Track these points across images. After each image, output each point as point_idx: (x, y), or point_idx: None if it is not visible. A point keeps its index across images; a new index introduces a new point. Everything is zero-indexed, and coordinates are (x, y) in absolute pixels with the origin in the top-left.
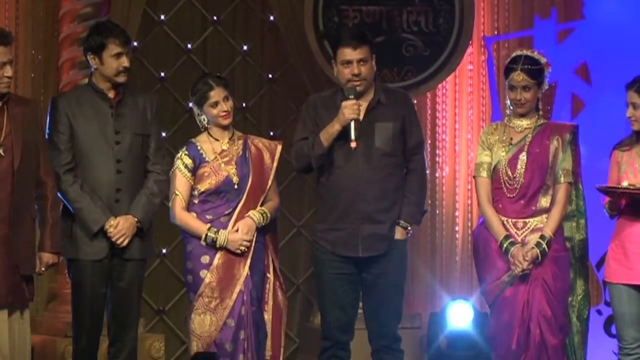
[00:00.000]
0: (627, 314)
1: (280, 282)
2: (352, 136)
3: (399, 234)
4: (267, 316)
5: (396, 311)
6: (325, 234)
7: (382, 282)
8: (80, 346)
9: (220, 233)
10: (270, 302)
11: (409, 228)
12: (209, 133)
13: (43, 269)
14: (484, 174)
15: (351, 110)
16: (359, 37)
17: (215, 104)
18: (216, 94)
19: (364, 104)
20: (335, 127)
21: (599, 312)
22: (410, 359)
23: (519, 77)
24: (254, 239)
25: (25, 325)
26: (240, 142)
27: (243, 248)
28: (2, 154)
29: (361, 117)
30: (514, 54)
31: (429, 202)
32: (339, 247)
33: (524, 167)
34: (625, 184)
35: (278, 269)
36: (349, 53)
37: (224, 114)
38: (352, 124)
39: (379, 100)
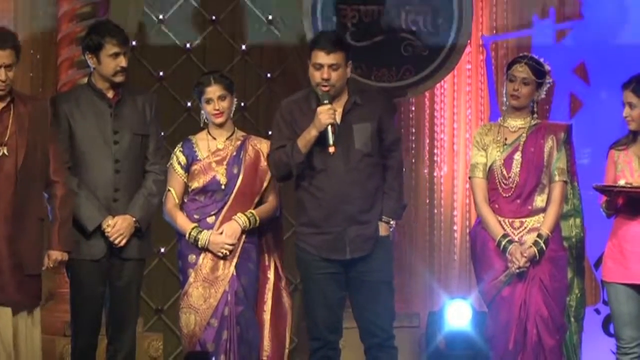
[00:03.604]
0: (624, 313)
1: (284, 283)
2: (330, 141)
3: (382, 229)
4: (266, 317)
5: (387, 307)
6: (309, 237)
7: (368, 279)
8: (78, 345)
9: (202, 234)
10: (270, 302)
11: (392, 222)
12: (208, 131)
13: (51, 265)
14: (480, 174)
15: (327, 115)
16: (334, 42)
17: (209, 100)
18: (211, 91)
19: (339, 108)
20: (312, 133)
21: (597, 312)
22: (409, 359)
23: (521, 68)
24: (242, 241)
25: (34, 324)
26: (238, 142)
27: (224, 251)
28: (7, 153)
29: (338, 121)
30: (521, 54)
31: (427, 201)
32: (324, 250)
33: (519, 166)
34: (622, 182)
35: (281, 270)
36: (321, 57)
37: (215, 112)
38: (329, 129)
39: (355, 102)
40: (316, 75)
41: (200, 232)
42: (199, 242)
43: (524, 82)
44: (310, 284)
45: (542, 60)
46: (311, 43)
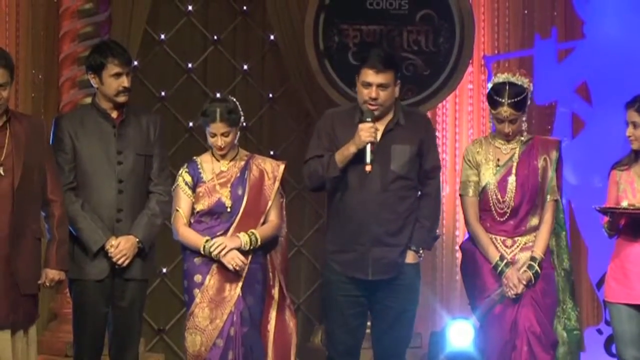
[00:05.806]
0: (627, 334)
1: (288, 302)
2: (368, 159)
3: (410, 257)
4: (270, 336)
5: (403, 336)
6: (336, 255)
7: (390, 305)
8: None
9: (214, 240)
10: (273, 322)
11: (421, 252)
12: (212, 152)
13: (47, 284)
14: (471, 192)
15: (368, 133)
16: (385, 61)
17: (213, 135)
18: (216, 127)
19: (381, 127)
20: (350, 150)
21: (600, 332)
22: None
23: (506, 112)
24: (249, 260)
25: (29, 343)
26: (242, 163)
27: (236, 262)
28: (2, 173)
29: (378, 138)
30: (496, 81)
31: None
32: (348, 269)
33: (514, 190)
34: (624, 203)
35: (285, 289)
36: (370, 75)
37: (217, 146)
38: (368, 147)
39: (398, 122)
40: (364, 93)
41: (211, 241)
42: (212, 249)
43: (512, 121)
44: (332, 305)
45: (517, 77)
46: (361, 59)
